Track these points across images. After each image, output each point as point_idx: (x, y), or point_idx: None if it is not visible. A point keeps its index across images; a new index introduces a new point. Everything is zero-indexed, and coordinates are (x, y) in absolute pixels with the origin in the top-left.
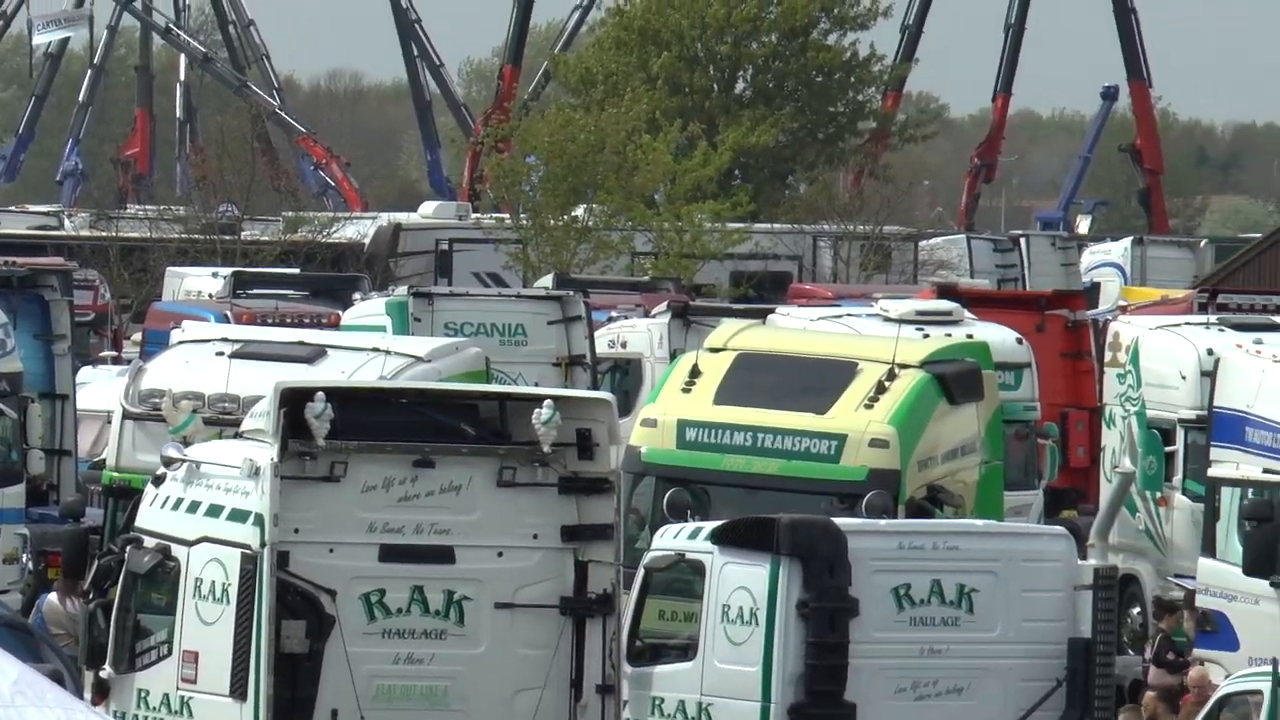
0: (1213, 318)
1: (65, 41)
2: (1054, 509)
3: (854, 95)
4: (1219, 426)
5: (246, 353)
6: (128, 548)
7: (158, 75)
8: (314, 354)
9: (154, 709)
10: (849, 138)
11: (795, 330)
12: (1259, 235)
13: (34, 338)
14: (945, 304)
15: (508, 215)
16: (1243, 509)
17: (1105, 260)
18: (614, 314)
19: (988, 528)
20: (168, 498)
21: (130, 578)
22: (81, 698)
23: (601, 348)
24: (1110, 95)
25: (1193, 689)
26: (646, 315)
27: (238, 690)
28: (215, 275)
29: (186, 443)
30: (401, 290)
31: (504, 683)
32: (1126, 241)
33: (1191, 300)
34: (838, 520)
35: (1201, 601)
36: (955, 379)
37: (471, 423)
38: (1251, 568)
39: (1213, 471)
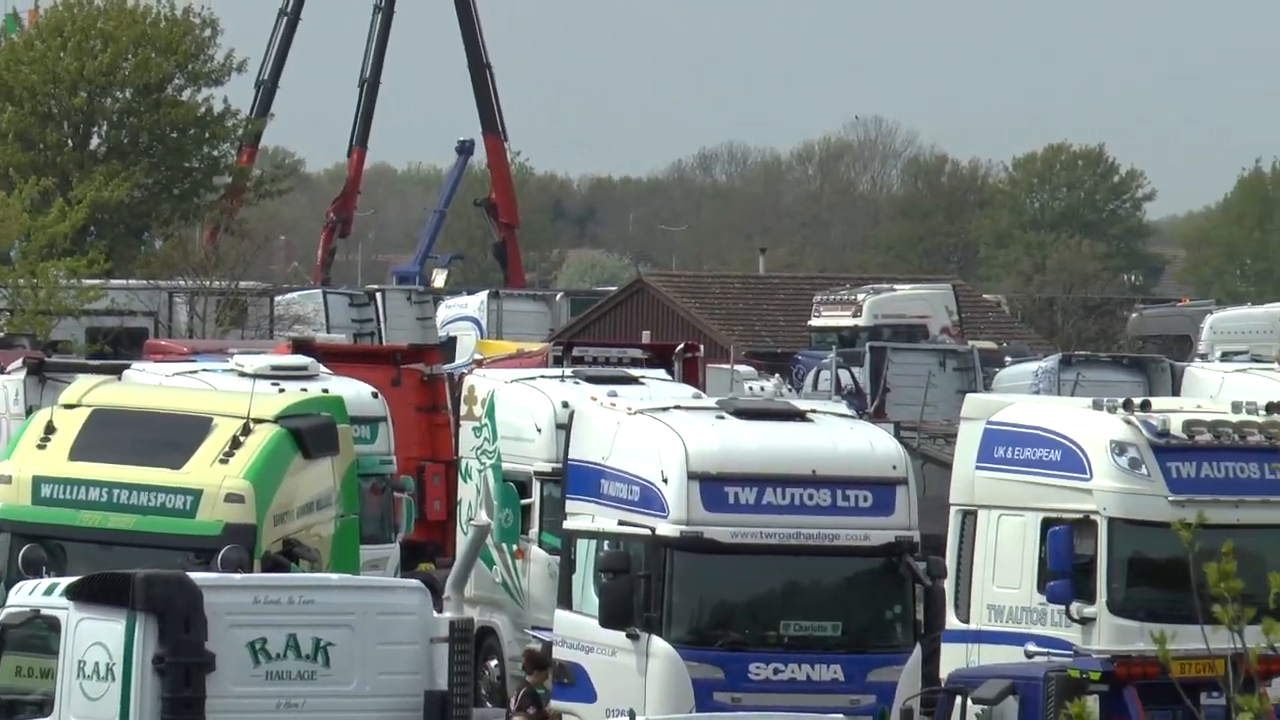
0: (568, 371)
1: None
2: (410, 562)
3: (209, 151)
4: (574, 479)
5: None
6: None
7: None
8: None
9: None
10: (204, 193)
11: (151, 386)
12: (614, 288)
13: None
14: (301, 359)
15: None
16: (599, 561)
17: (461, 314)
18: None
19: (343, 581)
20: None
21: None
22: None
23: None
24: (466, 150)
25: None
26: (1, 372)
27: None
28: None
29: None
30: None
31: None
32: (482, 295)
33: (547, 353)
34: (193, 575)
35: (559, 654)
36: (310, 433)
37: None
38: (608, 619)
39: (568, 524)
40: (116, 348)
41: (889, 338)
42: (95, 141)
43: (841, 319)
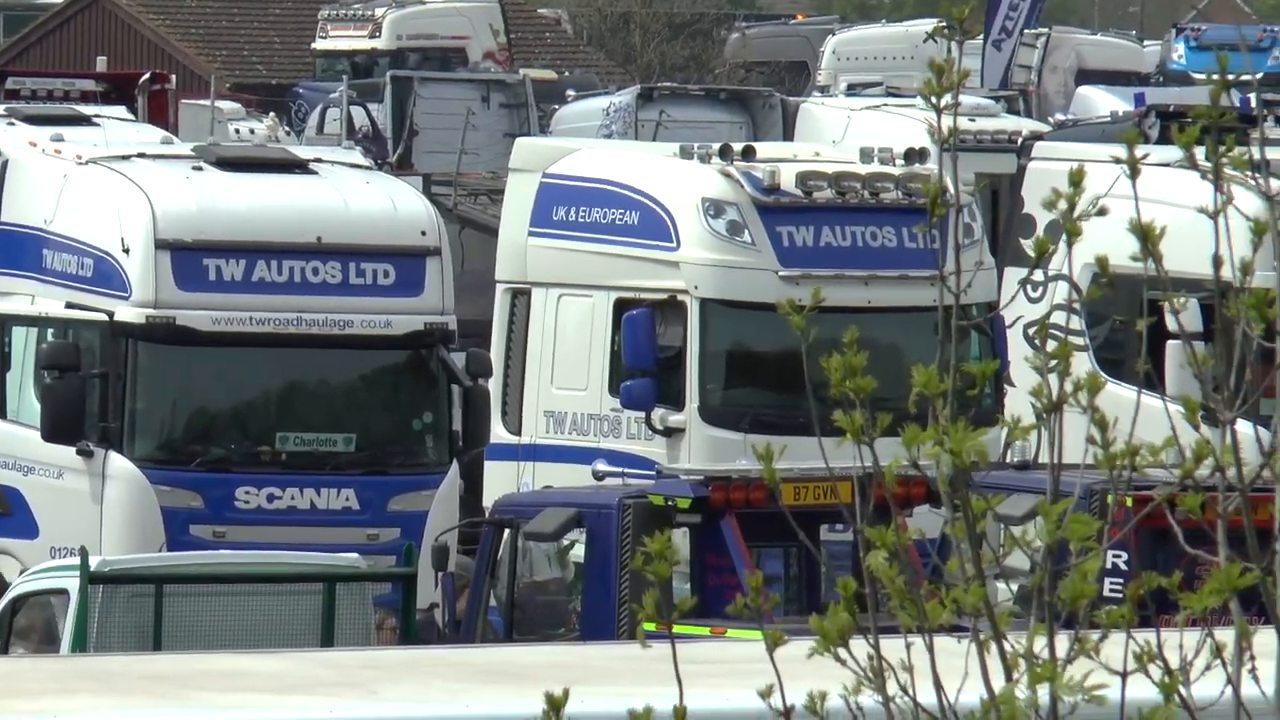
0: (0, 107)
1: None
2: None
3: None
4: (9, 248)
5: None
6: None
7: None
8: None
9: None
10: None
11: None
12: (59, 1)
13: None
14: None
15: None
16: (40, 355)
17: None
18: None
19: None
20: None
21: None
22: None
23: None
24: None
25: None
26: None
27: None
28: None
29: None
30: None
31: None
32: None
33: None
34: None
35: None
36: None
37: None
38: (52, 431)
39: (0, 307)
40: None
41: (417, 65)
42: None
43: (355, 41)
